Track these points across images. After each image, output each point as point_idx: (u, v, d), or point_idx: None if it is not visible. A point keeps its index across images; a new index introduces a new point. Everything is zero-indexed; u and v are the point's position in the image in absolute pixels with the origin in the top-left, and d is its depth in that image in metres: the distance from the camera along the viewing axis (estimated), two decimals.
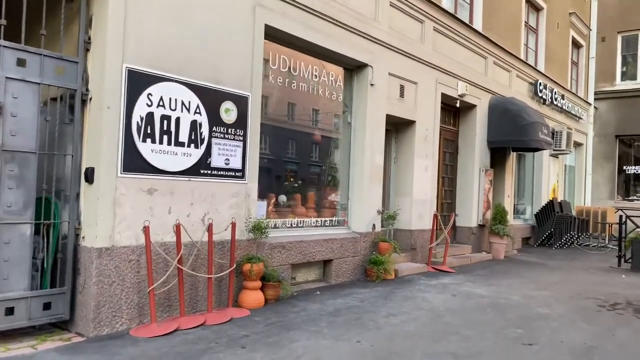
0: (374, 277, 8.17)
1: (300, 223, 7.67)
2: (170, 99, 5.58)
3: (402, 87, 9.29)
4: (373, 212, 8.62)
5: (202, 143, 5.91)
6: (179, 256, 5.36)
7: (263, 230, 6.35)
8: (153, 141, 5.43)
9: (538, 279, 9.28)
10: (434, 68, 10.10)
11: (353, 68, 8.52)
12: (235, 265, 6.12)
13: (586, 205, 18.45)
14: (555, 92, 15.33)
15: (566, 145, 15.06)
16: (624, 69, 19.83)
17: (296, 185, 8.09)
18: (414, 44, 9.53)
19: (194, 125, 5.83)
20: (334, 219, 8.30)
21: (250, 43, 6.46)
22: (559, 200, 15.51)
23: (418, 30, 9.72)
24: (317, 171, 8.46)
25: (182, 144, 5.69)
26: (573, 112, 17.02)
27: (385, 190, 9.82)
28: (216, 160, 6.07)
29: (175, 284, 5.50)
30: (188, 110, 5.76)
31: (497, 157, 12.82)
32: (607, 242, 15.31)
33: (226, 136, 6.18)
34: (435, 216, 9.82)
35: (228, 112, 6.19)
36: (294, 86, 7.66)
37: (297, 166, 8.13)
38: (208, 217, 5.91)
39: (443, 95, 10.45)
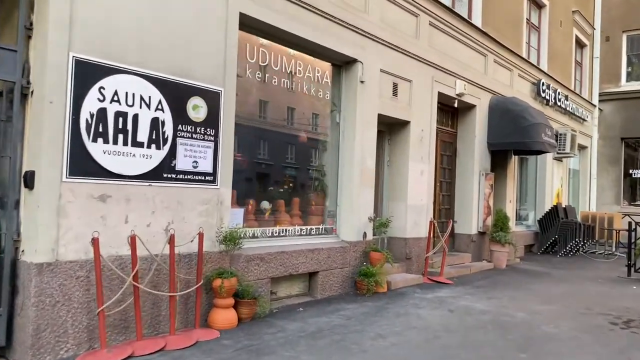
0: (365, 291, 7.49)
1: (283, 232, 7.01)
2: (126, 93, 4.93)
3: (395, 85, 8.64)
4: (364, 219, 7.95)
5: (164, 143, 5.26)
6: (134, 272, 4.70)
7: (236, 241, 5.68)
8: (106, 141, 4.78)
9: (543, 291, 8.60)
10: (429, 65, 9.46)
11: (341, 64, 7.88)
12: (203, 281, 5.46)
13: (591, 210, 17.76)
14: (558, 93, 14.68)
15: (570, 148, 14.39)
16: (629, 70, 19.19)
17: (280, 190, 7.45)
18: (408, 39, 8.89)
19: (155, 124, 5.18)
20: (320, 226, 7.64)
21: (222, 32, 5.82)
22: (564, 206, 14.82)
23: (412, 25, 9.08)
24: (303, 175, 7.81)
25: (140, 145, 5.04)
26: (577, 114, 16.35)
27: (377, 196, 9.18)
28: (182, 163, 5.41)
29: (132, 303, 4.83)
30: (148, 106, 5.12)
31: (498, 160, 12.16)
32: (614, 249, 14.60)
33: (194, 136, 5.53)
34: (432, 223, 9.15)
35: (196, 109, 5.54)
36: (274, 82, 7.01)
37: (281, 170, 7.48)
38: (172, 227, 5.26)
39: (440, 94, 9.81)
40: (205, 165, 5.63)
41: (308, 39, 6.96)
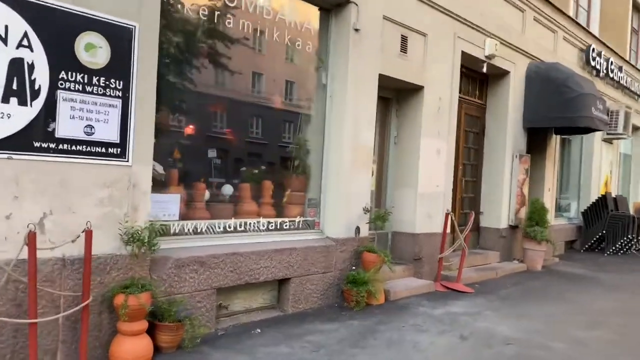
0: (353, 303, 5.75)
1: (242, 226, 5.29)
2: None
3: (404, 39, 6.75)
4: (357, 210, 6.17)
5: (34, 97, 3.58)
6: None
7: (149, 241, 3.99)
8: None
9: (589, 305, 6.69)
10: (451, 16, 7.50)
11: (330, 7, 6.04)
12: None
13: None
14: (611, 62, 12.40)
15: (624, 128, 12.12)
16: None
17: (245, 172, 5.75)
18: None
19: (18, 67, 3.51)
20: (297, 219, 5.89)
21: None
22: (613, 196, 12.65)
23: None
24: (277, 153, 6.09)
25: None
26: (632, 89, 14.00)
27: (381, 181, 7.38)
28: (67, 128, 3.74)
29: None
30: (4, 40, 3.44)
31: (536, 140, 10.11)
32: None
33: (88, 89, 3.84)
34: (448, 215, 7.29)
35: (92, 51, 3.84)
36: (231, 23, 5.23)
37: (246, 146, 5.78)
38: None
39: (464, 55, 7.85)
40: (107, 132, 3.95)
41: None
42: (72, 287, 3.76)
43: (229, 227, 5.14)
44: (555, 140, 10.74)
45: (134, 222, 4.05)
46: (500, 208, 9.08)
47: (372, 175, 7.05)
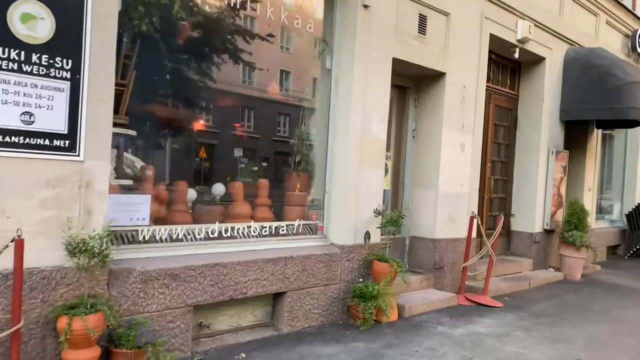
0: (360, 321, 4.98)
1: (229, 232, 4.57)
2: None
3: (422, 19, 5.94)
4: (366, 213, 5.40)
5: None
6: None
7: (100, 253, 3.30)
8: None
9: (638, 324, 5.74)
10: None
11: None
12: (22, 322, 3.16)
13: None
14: None
15: None
16: None
17: (238, 170, 5.10)
18: None
19: None
20: (296, 223, 5.14)
21: None
22: None
23: None
24: (275, 148, 5.41)
25: None
26: None
27: (398, 180, 6.59)
28: None
29: None
30: None
31: (575, 135, 9.11)
32: None
33: (26, 68, 3.19)
34: (473, 218, 6.43)
35: (30, 22, 3.19)
36: None
37: (238, 141, 5.10)
38: None
39: (493, 38, 6.96)
40: (52, 121, 3.29)
41: None
42: (7, 307, 3.12)
43: (212, 232, 4.43)
44: (596, 135, 9.69)
45: (81, 227, 3.38)
46: (533, 210, 8.14)
47: (387, 173, 6.29)
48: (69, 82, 3.34)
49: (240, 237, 4.62)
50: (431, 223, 6.37)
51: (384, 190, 6.24)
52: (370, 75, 5.31)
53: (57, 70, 3.29)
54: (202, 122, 5.39)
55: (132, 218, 3.95)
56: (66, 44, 3.32)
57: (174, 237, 4.18)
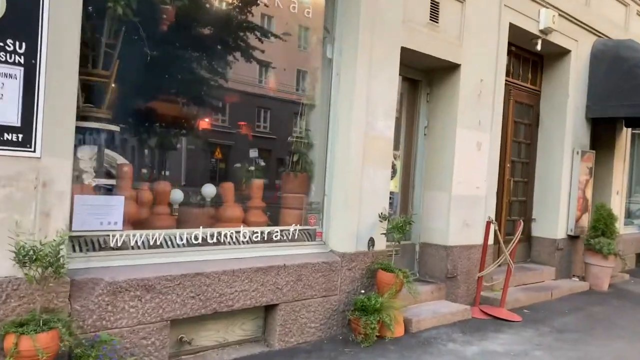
0: (361, 337, 4.51)
1: (213, 237, 4.13)
2: None
3: (434, 4, 5.45)
4: (371, 216, 4.92)
5: None
6: None
7: (54, 262, 2.89)
8: None
9: None
10: None
11: None
12: None
13: None
14: None
15: None
16: None
17: (229, 169, 4.67)
18: None
19: None
20: (292, 228, 4.69)
21: None
22: None
23: None
24: (271, 147, 4.97)
25: None
26: None
27: (408, 182, 6.10)
28: None
29: None
30: None
31: (602, 133, 8.50)
32: None
33: None
34: (489, 224, 5.90)
35: None
36: None
37: (229, 138, 4.68)
38: None
39: (513, 28, 6.43)
40: (2, 112, 2.90)
41: None
42: None
43: (195, 238, 4.01)
44: (625, 134, 9.04)
45: (36, 232, 2.98)
46: (556, 215, 7.56)
47: (396, 174, 5.83)
48: (22, 68, 2.94)
49: (228, 244, 4.18)
50: (444, 228, 5.87)
51: (393, 192, 5.81)
52: (375, 65, 4.83)
53: (8, 54, 2.90)
54: (195, 117, 5.01)
55: (102, 222, 3.54)
56: (19, 24, 2.93)
57: (152, 243, 3.76)
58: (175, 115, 4.89)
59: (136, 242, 3.68)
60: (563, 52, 7.49)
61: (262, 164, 5.32)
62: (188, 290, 3.70)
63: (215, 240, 4.11)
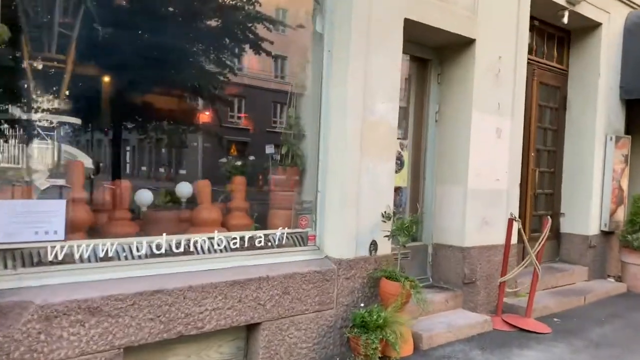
0: (361, 357, 3.84)
1: (179, 246, 3.47)
2: None
3: None
4: (373, 216, 4.24)
5: None
6: None
7: None
8: None
9: None
10: None
11: None
12: None
13: None
14: None
15: None
16: None
17: (204, 162, 4.03)
18: None
19: None
20: (278, 232, 4.03)
21: None
22: None
23: None
24: (253, 138, 4.31)
25: None
26: None
27: (418, 173, 5.39)
28: None
29: None
30: None
31: (638, 117, 7.64)
32: None
33: None
34: (511, 221, 5.16)
35: None
36: None
37: (201, 128, 4.04)
38: None
39: (534, 0, 5.67)
40: None
41: None
42: None
43: (158, 247, 3.37)
44: None
45: None
46: (588, 208, 6.78)
47: (403, 166, 5.13)
48: None
49: (198, 253, 3.54)
50: (459, 227, 5.15)
51: (401, 187, 5.13)
52: (373, 40, 4.13)
53: None
54: (168, 107, 4.40)
55: (38, 231, 2.93)
56: None
57: (102, 255, 3.14)
58: (147, 106, 4.28)
59: (81, 254, 3.06)
60: (593, 26, 6.68)
61: (252, 158, 4.72)
62: (145, 312, 3.07)
63: (182, 249, 3.47)
